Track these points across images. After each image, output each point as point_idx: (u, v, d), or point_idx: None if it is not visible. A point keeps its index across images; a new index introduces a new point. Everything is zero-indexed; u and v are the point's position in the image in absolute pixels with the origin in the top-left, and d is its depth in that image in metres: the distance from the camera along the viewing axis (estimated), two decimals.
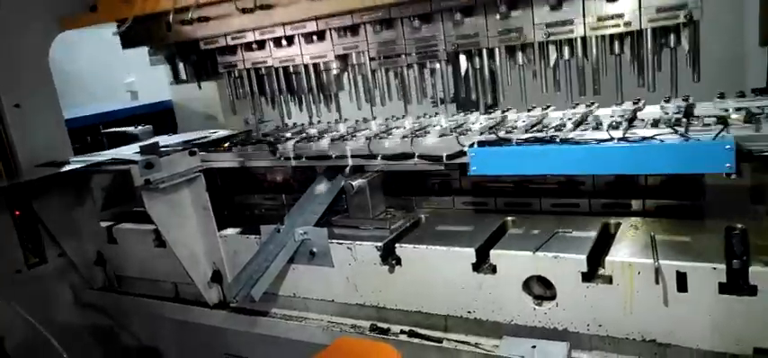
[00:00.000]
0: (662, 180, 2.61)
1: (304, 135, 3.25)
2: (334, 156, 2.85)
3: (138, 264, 3.55)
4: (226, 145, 3.37)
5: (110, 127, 5.03)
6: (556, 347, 2.29)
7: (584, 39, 2.46)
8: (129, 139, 4.38)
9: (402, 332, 2.65)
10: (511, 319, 2.40)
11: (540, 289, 2.34)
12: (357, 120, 3.38)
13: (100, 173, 3.43)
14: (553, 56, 2.58)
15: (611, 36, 2.44)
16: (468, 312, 2.49)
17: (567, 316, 2.27)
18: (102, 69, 7.36)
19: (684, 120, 2.27)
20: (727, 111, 2.34)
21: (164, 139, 3.91)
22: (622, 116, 2.51)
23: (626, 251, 2.22)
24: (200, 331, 3.41)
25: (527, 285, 2.34)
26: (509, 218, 2.73)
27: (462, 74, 2.81)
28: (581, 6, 2.42)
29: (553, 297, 2.29)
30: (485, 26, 2.64)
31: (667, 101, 2.57)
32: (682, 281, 2.02)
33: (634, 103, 2.68)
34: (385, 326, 2.71)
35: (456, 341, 2.52)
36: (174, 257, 3.06)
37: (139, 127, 3.74)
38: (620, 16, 2.37)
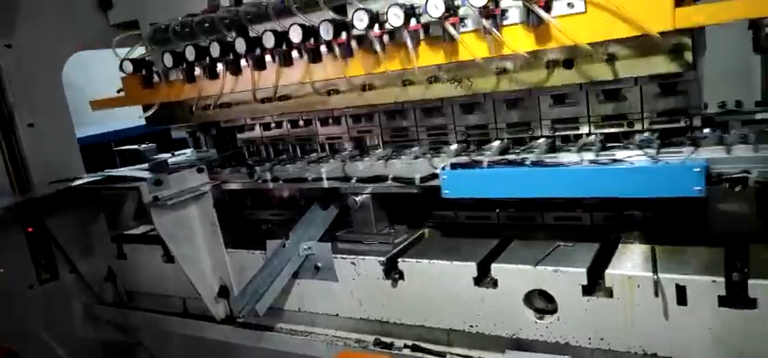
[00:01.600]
0: None
1: (283, 157, 3.36)
2: (310, 178, 2.91)
3: (148, 279, 3.61)
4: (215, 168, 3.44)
5: (122, 145, 5.13)
6: None
7: (588, 134, 2.56)
8: (140, 157, 4.46)
9: (405, 346, 2.66)
10: (513, 333, 2.41)
11: (542, 302, 2.35)
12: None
13: (110, 190, 3.50)
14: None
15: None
16: (471, 326, 2.50)
17: (569, 329, 2.28)
18: (116, 88, 7.49)
19: (657, 141, 2.28)
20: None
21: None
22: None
23: (626, 264, 2.22)
24: (207, 346, 3.43)
25: (528, 299, 2.35)
26: (511, 232, 2.74)
27: None
28: (585, 106, 2.53)
29: (554, 310, 2.30)
30: (494, 118, 2.78)
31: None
32: (681, 295, 2.02)
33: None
34: (389, 340, 2.73)
35: (459, 355, 2.53)
36: (182, 273, 3.10)
37: (144, 145, 3.85)
38: (624, 117, 2.46)
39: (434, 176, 2.45)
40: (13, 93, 3.46)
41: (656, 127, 2.43)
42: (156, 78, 3.09)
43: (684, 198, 2.48)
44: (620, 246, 2.41)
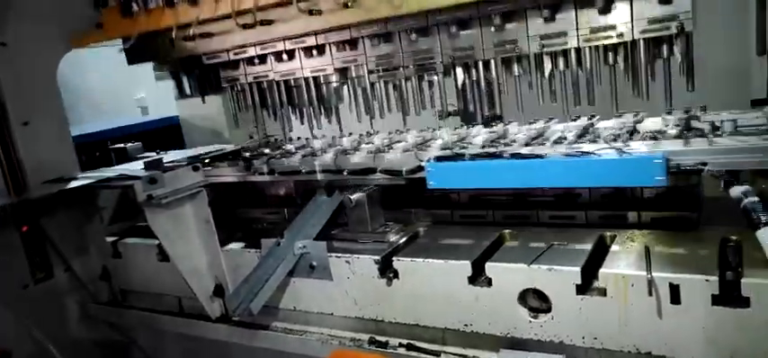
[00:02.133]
0: (658, 192, 2.61)
1: (279, 151, 3.36)
2: (304, 171, 2.94)
3: (143, 278, 3.60)
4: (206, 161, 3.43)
5: (117, 142, 5.12)
6: None
7: (578, 50, 2.54)
8: (128, 157, 4.46)
9: (400, 345, 2.66)
10: (507, 332, 2.40)
11: (536, 301, 2.34)
12: (360, 134, 3.41)
13: (105, 188, 3.49)
14: (548, 67, 2.63)
15: (605, 47, 2.49)
16: (465, 325, 2.50)
17: (563, 328, 2.27)
18: (113, 85, 7.50)
19: (627, 135, 2.36)
20: (667, 126, 2.42)
21: (168, 155, 3.99)
22: (621, 128, 2.53)
23: (620, 263, 2.22)
24: (203, 345, 3.43)
25: (523, 298, 2.35)
26: (506, 230, 2.74)
27: (459, 86, 2.86)
28: (574, 19, 2.49)
29: (549, 309, 2.29)
30: (480, 38, 2.71)
31: (669, 113, 2.57)
32: (675, 294, 2.02)
33: (634, 116, 2.69)
34: (383, 339, 2.73)
35: (453, 354, 2.52)
36: (177, 271, 3.10)
37: (130, 144, 3.87)
38: (613, 27, 2.44)
39: (420, 169, 2.53)
40: (8, 91, 3.45)
41: (645, 36, 2.40)
42: (135, 7, 3.05)
43: (679, 195, 2.54)
44: (614, 244, 2.41)
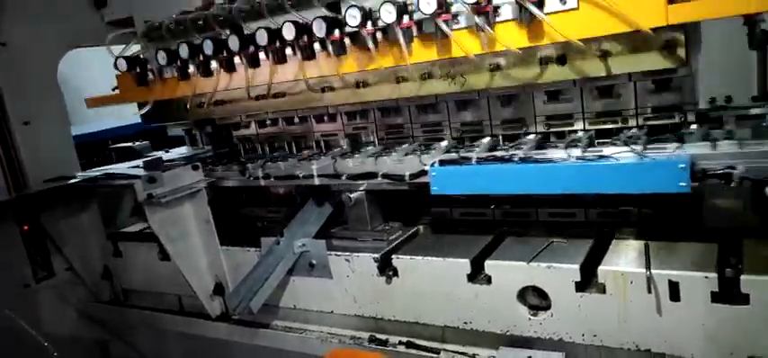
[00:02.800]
0: None
1: (275, 154, 3.37)
2: (301, 175, 2.90)
3: (144, 277, 3.61)
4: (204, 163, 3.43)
5: (118, 142, 5.13)
6: (551, 357, 2.29)
7: (585, 130, 2.57)
8: (136, 155, 4.46)
9: (400, 343, 2.66)
10: (507, 329, 2.40)
11: (536, 299, 2.34)
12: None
13: (105, 188, 3.50)
14: None
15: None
16: (465, 323, 2.50)
17: (562, 326, 2.27)
18: (113, 85, 7.48)
19: (644, 137, 2.27)
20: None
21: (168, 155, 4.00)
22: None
23: (620, 260, 2.23)
24: (203, 343, 3.44)
25: (522, 295, 2.35)
26: (505, 228, 2.74)
27: None
28: (580, 102, 2.54)
29: (548, 307, 2.29)
30: (488, 113, 2.78)
31: None
32: (674, 291, 2.02)
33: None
34: (383, 337, 2.73)
35: (453, 352, 2.53)
36: (178, 270, 3.10)
37: (138, 143, 3.87)
38: (619, 113, 2.47)
39: (424, 173, 2.45)
40: (8, 91, 3.45)
41: (650, 123, 2.43)
42: (150, 76, 3.09)
43: (678, 194, 2.53)
44: (613, 242, 2.41)
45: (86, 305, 3.87)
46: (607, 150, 2.16)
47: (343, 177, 2.78)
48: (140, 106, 3.28)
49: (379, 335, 2.75)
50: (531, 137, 2.62)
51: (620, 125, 2.49)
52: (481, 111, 2.79)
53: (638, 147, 2.09)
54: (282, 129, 3.45)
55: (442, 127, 2.92)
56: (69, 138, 3.82)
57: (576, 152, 2.21)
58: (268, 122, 3.48)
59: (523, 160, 2.23)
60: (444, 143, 2.80)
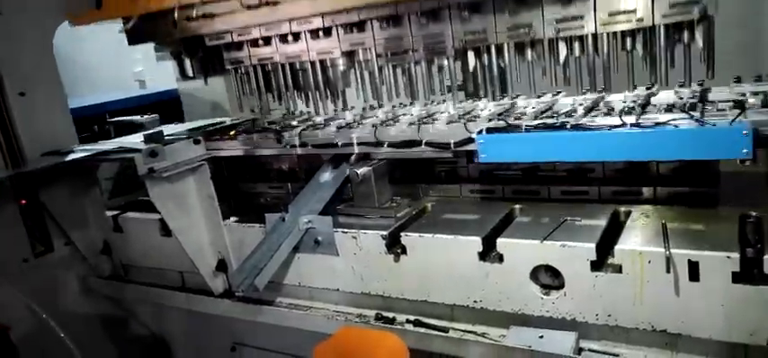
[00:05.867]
0: (674, 167, 2.55)
1: (310, 123, 3.23)
2: (340, 144, 2.81)
3: (145, 253, 3.55)
4: (232, 133, 3.35)
5: (116, 116, 5.04)
6: (564, 337, 2.25)
7: (594, 35, 2.41)
8: (135, 128, 4.38)
9: (408, 321, 2.62)
10: (518, 309, 2.36)
11: (548, 278, 2.29)
12: (364, 107, 3.34)
13: (104, 161, 3.42)
14: (563, 52, 2.54)
15: (623, 32, 2.39)
16: (475, 301, 2.45)
17: (576, 305, 2.23)
18: (111, 59, 7.38)
19: (700, 104, 2.21)
20: (743, 95, 2.27)
21: (170, 128, 3.91)
22: (635, 101, 2.46)
23: (636, 239, 2.17)
24: (205, 320, 3.40)
25: (535, 274, 2.30)
26: (517, 206, 2.68)
27: (471, 70, 2.77)
28: (592, 2, 2.36)
29: (561, 286, 2.24)
30: (493, 22, 2.60)
31: (681, 86, 2.50)
32: (694, 271, 1.97)
33: (647, 89, 2.62)
34: (390, 315, 2.68)
35: (462, 330, 2.48)
36: (180, 246, 3.04)
37: (146, 116, 3.75)
38: (633, 12, 2.32)
39: (470, 141, 2.38)
40: (3, 60, 3.35)
41: (666, 22, 2.26)
42: None
43: (697, 171, 2.47)
44: (629, 220, 2.35)
45: (86, 280, 3.82)
46: (663, 117, 2.11)
47: (386, 145, 2.69)
48: (125, 22, 3.12)
49: (386, 313, 2.70)
50: (580, 106, 2.51)
51: (635, 25, 2.30)
52: (486, 18, 2.60)
53: (696, 114, 2.05)
54: (276, 49, 3.22)
55: (443, 38, 2.74)
56: (67, 109, 3.73)
57: (631, 119, 2.15)
58: (261, 42, 3.23)
59: (576, 127, 2.19)
60: (486, 111, 2.69)
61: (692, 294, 1.99)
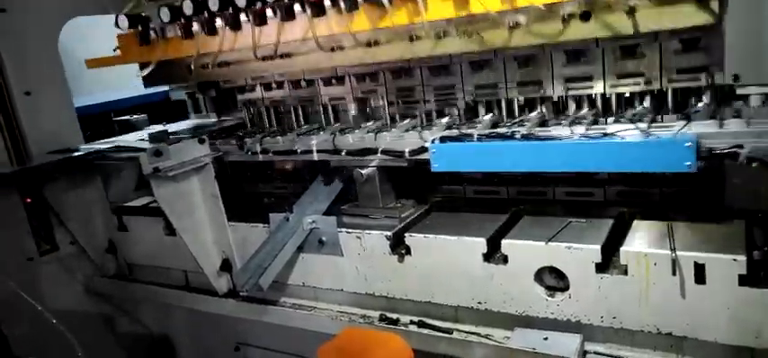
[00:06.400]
0: None
1: (274, 130, 3.31)
2: (299, 151, 2.84)
3: (149, 252, 3.56)
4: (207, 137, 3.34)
5: (121, 115, 5.03)
6: (568, 339, 2.24)
7: (603, 94, 2.45)
8: (132, 128, 4.38)
9: (412, 322, 2.61)
10: (523, 311, 2.35)
11: (553, 280, 2.29)
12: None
13: (109, 160, 3.43)
14: (572, 109, 2.57)
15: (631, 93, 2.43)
16: (479, 303, 2.44)
17: (581, 307, 2.22)
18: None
19: (650, 115, 2.23)
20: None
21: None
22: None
23: (642, 242, 2.16)
24: (210, 320, 3.40)
25: (539, 276, 2.29)
26: (521, 207, 2.67)
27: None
28: (601, 63, 2.40)
29: (566, 288, 2.24)
30: (504, 77, 2.64)
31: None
32: (700, 273, 1.96)
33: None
34: (394, 316, 2.68)
35: (466, 332, 2.48)
36: (184, 246, 3.04)
37: (135, 116, 3.79)
38: (641, 75, 2.35)
39: (424, 150, 2.40)
40: (8, 59, 3.36)
41: (675, 85, 2.31)
42: (152, 35, 2.96)
43: (702, 172, 2.45)
44: (634, 222, 2.34)
45: (91, 279, 3.82)
46: (611, 128, 2.12)
47: (343, 153, 2.72)
48: (142, 68, 3.16)
49: (390, 314, 2.70)
50: (532, 115, 2.53)
51: (643, 87, 2.36)
52: (497, 72, 2.66)
53: (643, 125, 2.04)
54: (288, 92, 3.32)
55: (454, 90, 2.80)
56: (72, 108, 3.73)
57: (580, 130, 2.17)
58: (274, 85, 3.36)
59: (525, 137, 2.20)
60: (445, 119, 2.72)
61: (698, 297, 1.98)
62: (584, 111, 2.50)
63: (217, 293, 3.22)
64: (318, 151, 2.80)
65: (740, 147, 1.85)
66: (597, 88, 2.45)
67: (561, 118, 2.50)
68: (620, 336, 2.20)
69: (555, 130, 2.25)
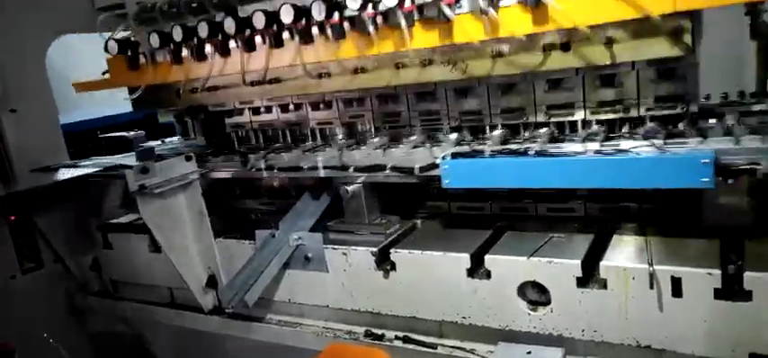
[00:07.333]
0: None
1: (277, 146, 3.30)
2: (306, 167, 2.84)
3: (134, 269, 3.54)
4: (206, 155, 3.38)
5: (108, 132, 5.03)
6: (551, 353, 2.28)
7: (584, 120, 2.50)
8: (127, 144, 4.38)
9: (396, 337, 2.63)
10: (506, 325, 2.38)
11: (535, 294, 2.32)
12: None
13: (95, 179, 3.42)
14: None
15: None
16: (463, 317, 2.47)
17: (562, 321, 2.25)
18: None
19: (663, 131, 2.24)
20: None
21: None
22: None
23: (621, 256, 2.21)
24: (195, 337, 3.38)
25: (522, 290, 2.32)
26: (504, 223, 2.71)
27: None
28: (581, 91, 2.46)
29: (548, 302, 2.27)
30: (487, 103, 2.69)
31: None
32: (677, 287, 2.01)
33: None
34: (379, 331, 2.70)
35: (451, 347, 2.50)
36: (170, 263, 3.04)
37: (132, 132, 3.79)
38: (620, 102, 2.40)
39: (434, 166, 2.39)
40: None
41: (652, 113, 2.37)
42: (142, 60, 2.99)
43: (679, 190, 2.51)
44: (614, 237, 2.39)
45: (74, 297, 3.79)
46: (625, 144, 2.13)
47: (351, 169, 2.71)
48: (131, 91, 3.18)
49: (375, 330, 2.71)
50: (543, 131, 2.54)
51: (622, 115, 2.42)
52: (481, 99, 2.71)
53: (659, 142, 2.06)
54: (277, 117, 3.36)
55: (439, 116, 2.85)
56: (57, 126, 3.73)
57: (594, 146, 2.17)
58: (262, 110, 3.39)
59: (539, 154, 2.19)
60: (453, 136, 2.72)
61: (676, 310, 2.03)
62: (596, 127, 2.50)
63: (202, 310, 3.21)
64: (325, 167, 2.79)
65: (757, 163, 1.86)
66: (578, 115, 2.50)
67: (572, 135, 2.51)
68: (601, 350, 2.23)
69: (567, 147, 2.26)
